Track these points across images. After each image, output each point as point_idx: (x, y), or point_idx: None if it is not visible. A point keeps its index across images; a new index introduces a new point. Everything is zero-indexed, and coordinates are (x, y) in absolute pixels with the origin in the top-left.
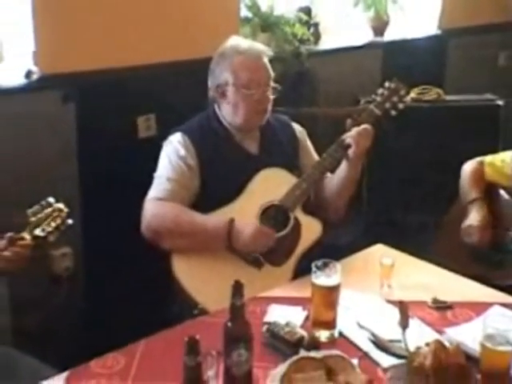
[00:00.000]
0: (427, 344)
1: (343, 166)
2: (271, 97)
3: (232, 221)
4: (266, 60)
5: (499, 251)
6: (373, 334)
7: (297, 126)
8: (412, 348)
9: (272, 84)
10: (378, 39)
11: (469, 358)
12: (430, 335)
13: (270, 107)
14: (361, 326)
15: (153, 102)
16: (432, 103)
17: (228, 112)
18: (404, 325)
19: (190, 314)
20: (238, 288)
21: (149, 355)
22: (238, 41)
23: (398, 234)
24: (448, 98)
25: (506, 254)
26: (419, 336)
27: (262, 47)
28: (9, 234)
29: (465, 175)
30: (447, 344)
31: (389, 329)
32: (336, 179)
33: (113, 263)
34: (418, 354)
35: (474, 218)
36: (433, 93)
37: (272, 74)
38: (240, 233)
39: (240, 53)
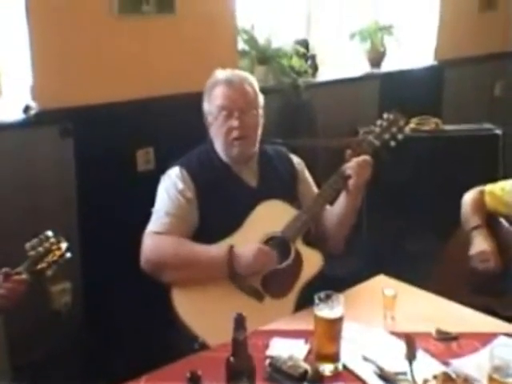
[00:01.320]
0: (434, 376)
1: (343, 197)
2: (257, 124)
3: (232, 247)
4: (246, 87)
5: (502, 280)
6: (378, 367)
7: (295, 158)
8: (419, 381)
9: (256, 111)
10: (375, 70)
11: None
12: (436, 367)
13: (254, 134)
14: (365, 359)
15: (151, 136)
16: (431, 133)
17: (216, 144)
18: (411, 358)
19: (191, 347)
20: (240, 321)
21: None
22: (218, 73)
23: (398, 263)
24: (446, 127)
25: (508, 282)
26: (425, 368)
27: (241, 75)
28: (4, 270)
29: (466, 204)
30: (454, 376)
31: (394, 361)
32: (336, 210)
33: (113, 297)
34: None
35: (483, 243)
36: (431, 123)
37: (258, 100)
38: (241, 255)
39: (215, 84)
